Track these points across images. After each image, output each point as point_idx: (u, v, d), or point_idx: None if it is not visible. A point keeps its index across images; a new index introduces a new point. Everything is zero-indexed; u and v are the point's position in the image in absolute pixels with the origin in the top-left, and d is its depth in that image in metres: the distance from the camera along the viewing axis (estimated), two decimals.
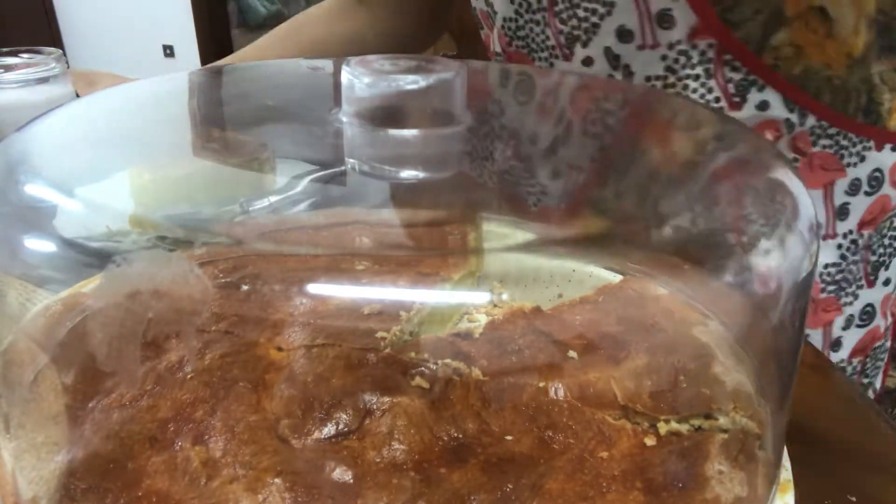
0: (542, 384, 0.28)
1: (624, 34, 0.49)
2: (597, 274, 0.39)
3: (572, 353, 0.30)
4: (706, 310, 0.33)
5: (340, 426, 0.26)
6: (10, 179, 0.28)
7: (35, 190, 0.27)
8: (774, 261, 0.28)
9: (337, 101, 0.32)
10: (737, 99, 0.49)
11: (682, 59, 0.49)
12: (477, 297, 0.39)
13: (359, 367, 0.29)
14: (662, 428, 0.28)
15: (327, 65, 0.43)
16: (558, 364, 0.30)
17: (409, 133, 0.31)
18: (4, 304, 0.29)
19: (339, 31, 0.75)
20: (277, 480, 0.24)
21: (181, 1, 3.12)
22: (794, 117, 0.49)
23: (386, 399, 0.27)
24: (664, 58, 0.49)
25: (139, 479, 0.25)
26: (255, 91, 0.43)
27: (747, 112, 0.49)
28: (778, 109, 0.49)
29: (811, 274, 0.28)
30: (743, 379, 0.30)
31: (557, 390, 0.28)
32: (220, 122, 0.42)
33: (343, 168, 0.33)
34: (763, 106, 0.49)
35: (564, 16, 0.51)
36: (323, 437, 0.26)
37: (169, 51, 3.27)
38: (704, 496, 0.25)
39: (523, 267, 0.39)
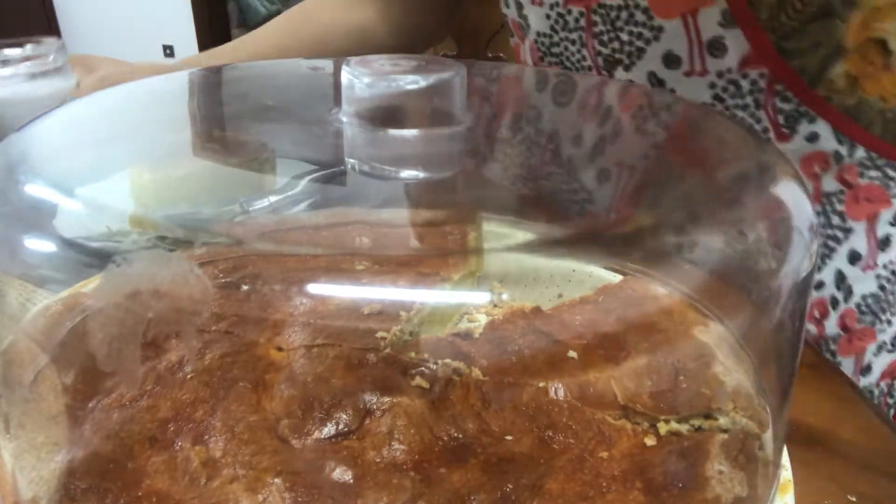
0: (542, 384, 0.28)
1: (671, 60, 0.48)
2: (597, 274, 0.39)
3: (572, 353, 0.30)
4: (706, 310, 0.33)
5: (340, 426, 0.26)
6: (10, 179, 0.28)
7: (35, 190, 0.27)
8: (774, 261, 0.28)
9: (337, 101, 0.32)
10: (786, 130, 0.47)
11: (731, 88, 0.47)
12: (477, 297, 0.39)
13: (359, 367, 0.29)
14: (662, 428, 0.28)
15: (327, 65, 0.43)
16: (558, 364, 0.30)
17: (409, 133, 0.31)
18: (4, 304, 0.29)
19: (345, 21, 0.74)
20: (277, 480, 0.24)
21: (181, 1, 3.12)
22: (843, 149, 0.47)
23: (386, 399, 0.27)
24: (712, 86, 0.48)
25: (139, 479, 0.25)
26: (255, 91, 0.43)
27: (796, 144, 0.48)
28: (827, 141, 0.47)
29: (811, 274, 0.28)
30: (743, 379, 0.30)
31: (557, 390, 0.28)
32: (220, 122, 0.42)
33: (343, 168, 0.33)
34: (812, 138, 0.47)
35: (605, 38, 0.50)
36: (323, 437, 0.26)
37: (169, 51, 3.28)
38: (704, 496, 0.25)
39: (523, 267, 0.39)
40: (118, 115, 0.37)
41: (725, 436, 0.27)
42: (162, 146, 0.38)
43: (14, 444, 0.26)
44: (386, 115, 0.31)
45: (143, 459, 0.25)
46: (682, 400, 0.28)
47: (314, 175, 0.37)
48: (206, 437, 0.26)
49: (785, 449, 0.29)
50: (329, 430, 0.26)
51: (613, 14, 0.49)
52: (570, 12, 0.51)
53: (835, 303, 0.52)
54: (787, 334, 0.29)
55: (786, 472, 0.28)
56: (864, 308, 0.53)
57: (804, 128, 0.47)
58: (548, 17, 0.53)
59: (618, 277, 0.37)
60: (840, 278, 0.52)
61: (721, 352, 0.30)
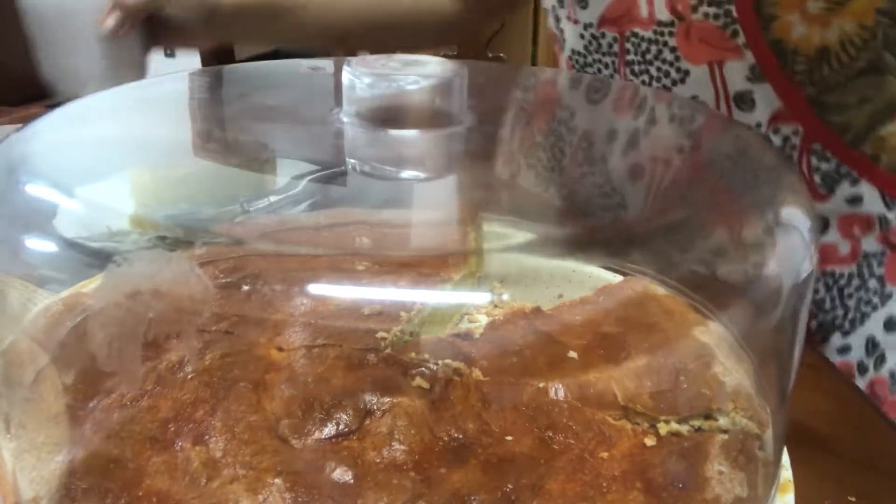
0: (542, 384, 0.28)
1: None
2: (597, 274, 0.39)
3: (572, 353, 0.30)
4: (706, 310, 0.33)
5: (341, 426, 0.26)
6: (11, 179, 0.28)
7: (35, 190, 0.27)
8: (775, 261, 0.28)
9: (337, 101, 0.32)
10: (823, 190, 0.45)
11: None
12: (477, 298, 0.39)
13: (359, 368, 0.29)
14: (662, 428, 0.28)
15: (328, 65, 0.43)
16: (558, 364, 0.30)
17: (409, 133, 0.31)
18: (5, 304, 0.29)
19: None
20: (278, 480, 0.24)
21: None
22: (890, 214, 0.45)
23: (386, 399, 0.27)
24: None
25: (139, 479, 0.25)
26: (255, 91, 0.43)
27: (834, 205, 0.45)
28: (872, 205, 0.45)
29: (811, 274, 0.28)
30: (743, 379, 0.30)
31: (557, 390, 0.28)
32: (220, 122, 0.42)
33: (343, 168, 0.33)
34: (855, 200, 0.45)
35: (636, 68, 0.49)
36: (323, 437, 0.26)
37: (169, 50, 3.27)
38: (704, 496, 0.25)
39: (523, 267, 0.39)
40: (118, 115, 0.37)
41: (725, 436, 0.27)
42: (162, 146, 0.38)
43: (15, 443, 0.26)
44: (386, 115, 0.31)
45: (143, 459, 0.25)
46: (683, 400, 0.28)
47: (315, 175, 0.37)
48: (207, 437, 0.26)
49: (785, 449, 0.29)
50: (329, 430, 0.26)
51: (644, 46, 0.48)
52: (603, 36, 0.50)
53: (863, 369, 0.49)
54: (787, 334, 0.29)
55: (786, 472, 0.28)
56: None
57: (845, 189, 0.45)
58: (581, 36, 0.52)
59: (618, 277, 0.37)
60: (872, 345, 0.48)
61: (721, 352, 0.30)
